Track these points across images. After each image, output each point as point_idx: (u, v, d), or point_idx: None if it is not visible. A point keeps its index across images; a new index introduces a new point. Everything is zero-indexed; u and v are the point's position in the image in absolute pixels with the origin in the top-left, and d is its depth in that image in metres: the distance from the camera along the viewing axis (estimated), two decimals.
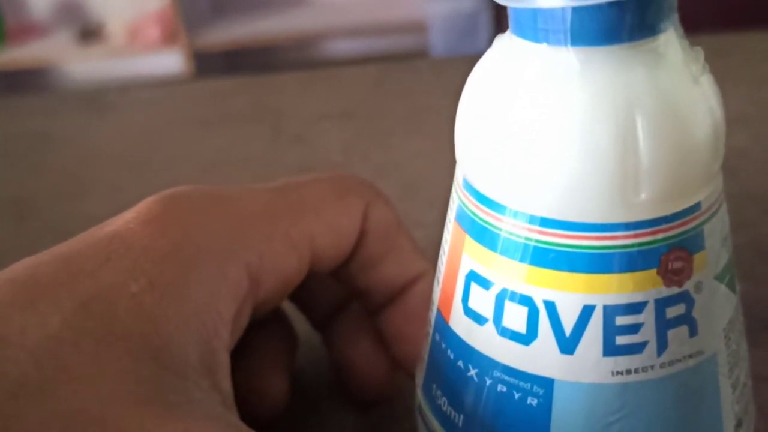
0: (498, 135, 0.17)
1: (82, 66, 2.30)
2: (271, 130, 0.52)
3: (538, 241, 0.17)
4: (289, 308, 0.29)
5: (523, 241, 0.17)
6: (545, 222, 0.17)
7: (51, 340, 0.18)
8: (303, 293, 0.28)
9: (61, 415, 0.17)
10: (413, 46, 2.08)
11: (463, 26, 1.84)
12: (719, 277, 0.18)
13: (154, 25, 2.19)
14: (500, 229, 0.18)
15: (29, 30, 2.30)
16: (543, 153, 0.17)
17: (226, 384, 0.21)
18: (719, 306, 0.18)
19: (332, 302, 0.28)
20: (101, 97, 0.61)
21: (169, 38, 2.16)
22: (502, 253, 0.18)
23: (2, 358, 0.17)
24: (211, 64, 2.16)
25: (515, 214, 0.17)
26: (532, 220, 0.17)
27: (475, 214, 0.18)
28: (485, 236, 0.18)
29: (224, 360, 0.21)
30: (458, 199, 0.19)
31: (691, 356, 0.18)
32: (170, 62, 2.18)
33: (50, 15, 2.34)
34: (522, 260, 0.17)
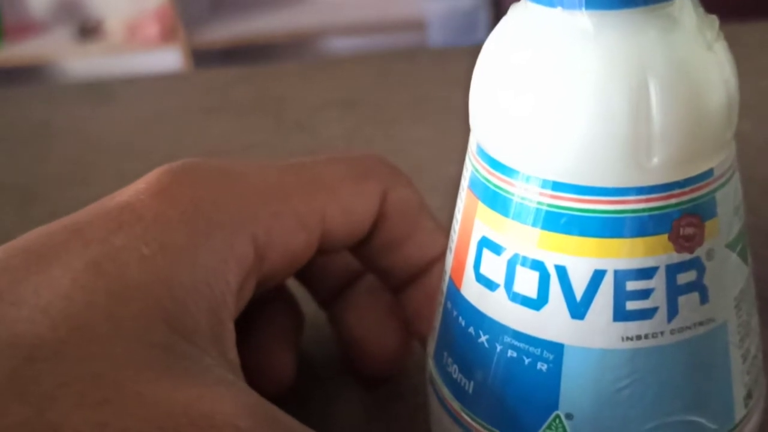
0: (512, 99, 0.17)
1: (81, 63, 2.29)
2: (273, 119, 0.52)
3: (550, 205, 0.17)
4: (295, 288, 0.29)
5: (535, 205, 0.17)
6: (557, 186, 0.17)
7: (63, 301, 0.18)
8: (309, 271, 0.28)
9: (78, 378, 0.17)
10: (412, 43, 2.08)
11: (462, 23, 1.85)
12: (731, 246, 0.18)
13: (153, 22, 2.18)
14: (513, 194, 0.18)
15: (28, 27, 2.29)
16: (556, 117, 0.17)
17: (233, 353, 0.21)
18: (731, 274, 0.18)
19: (338, 279, 0.28)
20: (103, 87, 0.61)
21: (167, 36, 2.16)
22: (514, 218, 0.18)
23: (17, 319, 0.17)
24: (210, 61, 2.16)
25: (528, 179, 0.17)
26: (545, 184, 0.17)
27: (488, 180, 0.18)
28: (498, 202, 0.18)
29: (231, 329, 0.21)
30: (471, 166, 0.19)
31: (701, 323, 0.18)
32: (169, 60, 2.17)
33: (49, 12, 2.34)
34: (534, 225, 0.17)
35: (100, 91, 0.60)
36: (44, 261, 0.19)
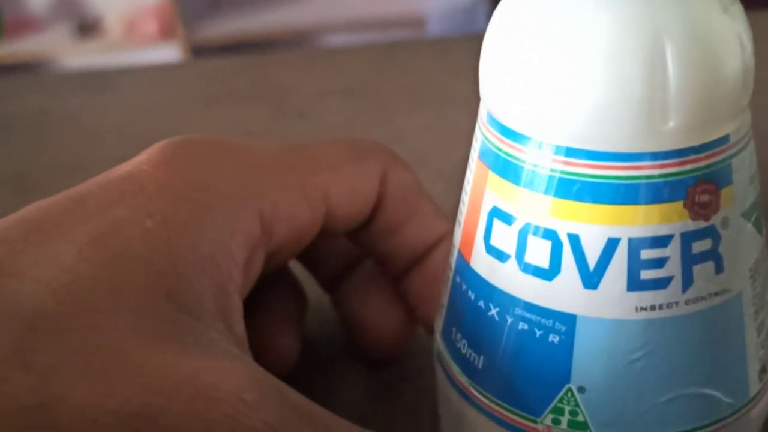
0: (523, 63, 0.17)
1: (80, 59, 2.29)
2: (273, 108, 0.52)
3: (562, 172, 0.17)
4: (299, 272, 0.28)
5: (547, 172, 0.17)
6: (570, 152, 0.17)
7: (67, 274, 0.17)
8: (312, 253, 0.27)
9: (81, 349, 0.16)
10: (411, 39, 2.07)
11: (461, 19, 1.84)
12: (746, 215, 0.18)
13: (152, 19, 2.18)
14: (524, 162, 0.17)
15: (27, 24, 2.29)
16: (569, 80, 0.16)
17: (240, 328, 0.20)
18: (746, 244, 0.18)
19: (342, 262, 0.28)
20: (100, 77, 0.61)
21: (166, 32, 2.16)
22: (525, 186, 0.17)
23: (18, 292, 0.17)
24: (208, 58, 2.16)
25: (540, 145, 0.17)
26: (558, 150, 0.17)
27: (498, 149, 0.18)
28: (509, 170, 0.18)
29: (238, 304, 0.21)
30: (482, 135, 0.19)
31: (716, 294, 0.18)
32: (168, 56, 2.17)
33: (48, 9, 2.33)
34: (546, 193, 0.17)
35: (98, 80, 0.60)
36: (45, 232, 0.18)
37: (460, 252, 0.20)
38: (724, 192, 0.17)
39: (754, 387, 0.19)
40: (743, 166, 0.17)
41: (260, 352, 0.24)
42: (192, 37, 2.14)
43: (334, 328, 0.30)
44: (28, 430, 0.15)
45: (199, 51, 2.14)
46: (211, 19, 2.23)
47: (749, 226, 0.18)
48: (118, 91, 0.58)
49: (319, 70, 0.58)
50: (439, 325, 0.22)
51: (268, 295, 0.27)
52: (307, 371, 0.28)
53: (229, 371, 0.17)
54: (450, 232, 0.25)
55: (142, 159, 0.21)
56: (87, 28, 2.24)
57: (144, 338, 0.17)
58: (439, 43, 0.62)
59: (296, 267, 0.28)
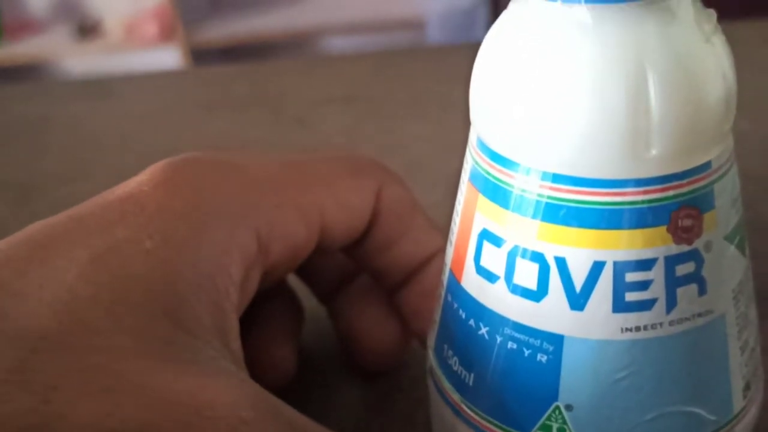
0: (511, 92, 0.17)
1: (80, 62, 2.29)
2: (272, 114, 0.52)
3: (549, 197, 0.17)
4: (295, 284, 0.29)
5: (535, 197, 0.17)
6: (557, 178, 0.17)
7: (68, 294, 0.18)
8: (309, 266, 0.28)
9: (81, 369, 0.17)
10: (411, 42, 2.08)
11: (461, 22, 1.85)
12: (729, 238, 0.18)
13: (152, 21, 2.18)
14: (513, 187, 0.18)
15: (27, 26, 2.29)
16: (555, 109, 0.17)
17: (236, 345, 0.21)
18: (729, 266, 0.18)
19: (338, 275, 0.29)
20: (101, 84, 0.61)
21: (166, 34, 2.16)
22: (514, 210, 0.18)
23: (22, 312, 0.17)
24: (208, 60, 2.16)
25: (527, 171, 0.17)
26: (544, 176, 0.17)
27: (488, 173, 0.18)
28: (498, 194, 0.18)
29: (234, 322, 0.21)
30: (472, 159, 0.19)
31: (700, 315, 0.18)
32: (168, 58, 2.17)
33: (48, 11, 2.33)
34: (534, 217, 0.18)
35: (99, 87, 0.60)
36: (47, 252, 0.19)
37: (451, 271, 0.20)
38: (707, 216, 0.18)
39: (738, 404, 0.19)
40: (726, 191, 0.18)
41: (257, 364, 0.25)
42: (192, 40, 2.15)
43: (330, 338, 0.30)
44: None
45: (199, 53, 2.14)
46: (211, 22, 2.23)
47: (732, 248, 0.18)
48: (118, 98, 0.58)
49: (318, 77, 0.58)
50: (431, 340, 0.22)
51: (265, 307, 0.27)
52: (304, 382, 0.29)
53: (225, 389, 0.18)
54: (444, 247, 0.26)
55: (142, 179, 0.21)
56: (87, 30, 2.24)
57: (143, 358, 0.18)
58: (438, 51, 0.62)
59: (292, 279, 0.29)
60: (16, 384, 0.16)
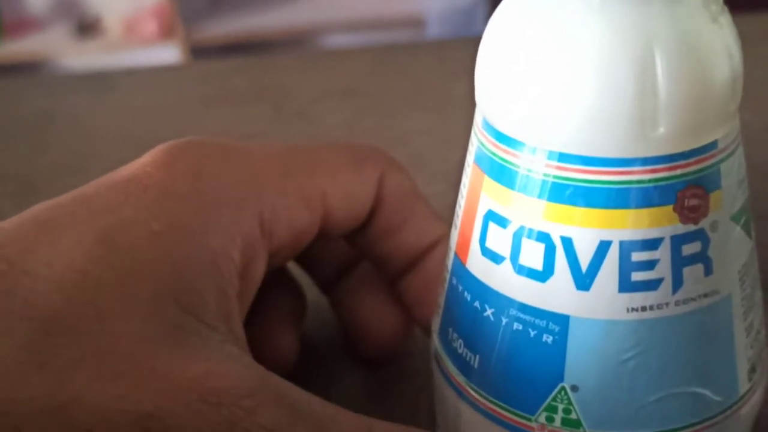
0: (518, 71, 0.17)
1: (79, 60, 2.29)
2: (273, 108, 0.52)
3: (555, 176, 0.17)
4: (296, 273, 0.29)
5: (540, 177, 0.17)
6: (563, 157, 0.17)
7: (76, 275, 0.18)
8: (310, 254, 0.28)
9: (94, 353, 0.17)
10: (410, 40, 2.08)
11: (460, 20, 1.85)
12: (735, 218, 0.18)
13: (152, 19, 2.18)
14: (518, 167, 0.18)
15: (26, 24, 2.29)
16: (562, 88, 0.17)
17: (240, 331, 0.21)
18: (735, 247, 0.18)
19: (339, 263, 0.28)
20: (102, 78, 0.61)
21: (166, 32, 2.16)
22: (519, 190, 0.18)
23: (31, 291, 0.17)
24: (208, 58, 2.16)
25: (533, 151, 0.17)
26: (551, 155, 0.17)
27: (494, 154, 0.18)
28: (504, 175, 0.18)
29: (237, 307, 0.21)
30: (477, 140, 0.19)
31: (706, 295, 0.18)
32: (167, 56, 2.17)
33: (47, 9, 2.33)
34: (540, 197, 0.18)
35: (100, 81, 0.60)
36: (54, 231, 0.19)
37: (456, 254, 0.20)
38: (713, 196, 0.18)
39: (744, 386, 0.19)
40: (732, 171, 0.18)
41: (260, 351, 0.25)
42: (191, 37, 2.15)
43: (332, 327, 0.30)
44: (50, 429, 0.16)
45: (198, 51, 2.14)
46: (211, 19, 2.23)
47: (738, 229, 0.18)
48: (119, 92, 0.58)
49: (318, 72, 0.58)
50: (436, 325, 0.22)
51: (267, 296, 0.27)
52: (306, 370, 0.29)
53: (231, 373, 0.18)
54: (446, 235, 0.26)
55: (145, 161, 0.21)
56: (86, 28, 2.24)
57: (153, 342, 0.18)
58: (438, 45, 0.62)
59: (294, 267, 0.29)
60: (31, 365, 0.16)
